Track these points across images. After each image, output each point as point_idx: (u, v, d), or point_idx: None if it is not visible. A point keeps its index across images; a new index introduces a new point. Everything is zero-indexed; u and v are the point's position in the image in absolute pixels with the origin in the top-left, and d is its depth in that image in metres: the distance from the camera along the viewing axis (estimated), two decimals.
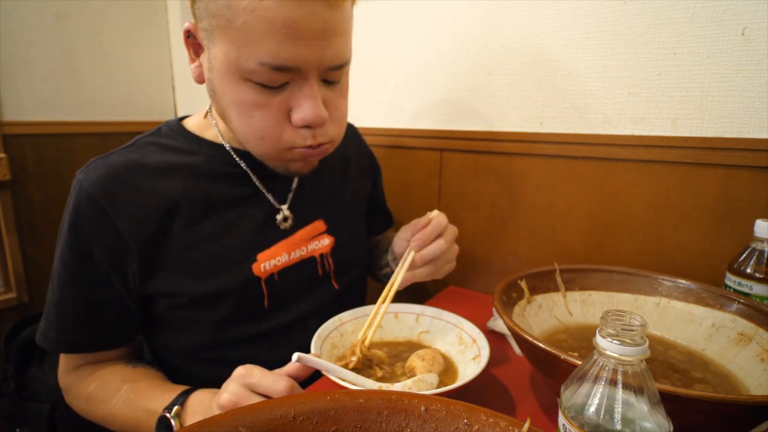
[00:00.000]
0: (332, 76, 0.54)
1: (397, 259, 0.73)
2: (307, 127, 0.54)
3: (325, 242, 0.70)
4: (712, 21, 0.63)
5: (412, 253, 0.62)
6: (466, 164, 0.91)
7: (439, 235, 0.63)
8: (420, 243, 0.61)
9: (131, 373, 0.61)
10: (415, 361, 0.55)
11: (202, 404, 0.53)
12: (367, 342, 0.57)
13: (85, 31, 1.28)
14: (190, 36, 0.55)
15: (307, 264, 0.68)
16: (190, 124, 0.65)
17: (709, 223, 0.68)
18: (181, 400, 0.53)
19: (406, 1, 0.93)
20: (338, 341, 0.60)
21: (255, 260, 0.62)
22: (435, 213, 0.64)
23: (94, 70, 1.32)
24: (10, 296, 1.21)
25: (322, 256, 0.69)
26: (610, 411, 0.29)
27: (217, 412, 0.46)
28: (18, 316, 1.21)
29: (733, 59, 0.63)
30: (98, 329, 0.59)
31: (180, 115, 1.52)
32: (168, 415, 0.52)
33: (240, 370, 0.47)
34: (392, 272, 0.74)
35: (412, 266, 0.62)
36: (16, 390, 0.95)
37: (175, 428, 0.51)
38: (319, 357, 0.51)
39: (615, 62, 0.71)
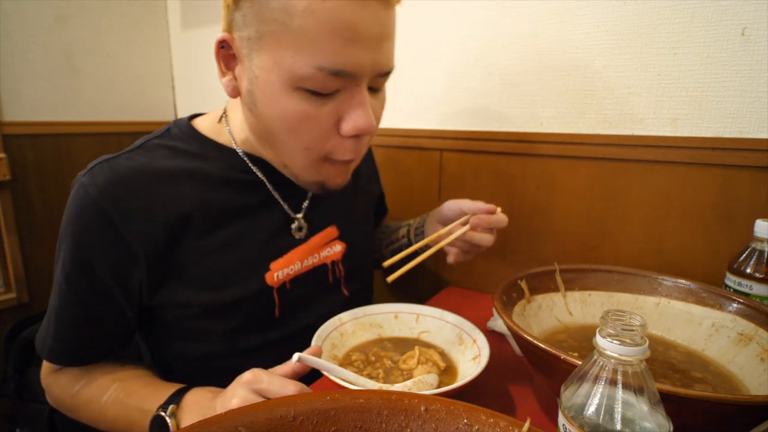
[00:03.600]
0: (378, 83, 0.53)
1: (423, 232, 0.77)
2: (355, 136, 0.52)
3: (337, 249, 0.69)
4: (712, 21, 0.63)
5: (466, 228, 0.65)
6: (466, 164, 0.91)
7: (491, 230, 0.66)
8: (480, 226, 0.65)
9: (120, 372, 0.59)
10: (413, 363, 0.55)
11: (199, 403, 0.52)
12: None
13: (85, 31, 1.28)
14: (224, 47, 0.51)
15: (318, 271, 0.67)
16: (201, 127, 0.62)
17: (709, 223, 0.68)
18: (177, 399, 0.52)
19: (406, 2, 0.93)
20: (338, 341, 0.60)
21: (268, 269, 0.61)
22: (499, 209, 0.68)
23: (94, 70, 1.32)
24: (10, 296, 1.21)
25: (333, 262, 0.69)
26: (610, 411, 0.29)
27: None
28: (18, 316, 1.21)
29: (733, 59, 0.63)
30: (94, 345, 0.58)
31: (180, 115, 1.52)
32: (164, 414, 0.51)
33: (248, 376, 0.46)
34: (404, 245, 0.79)
35: (462, 238, 0.65)
36: (16, 390, 0.95)
37: (171, 428, 0.50)
38: (319, 353, 0.51)
39: (615, 62, 0.71)
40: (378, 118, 0.55)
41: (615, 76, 0.72)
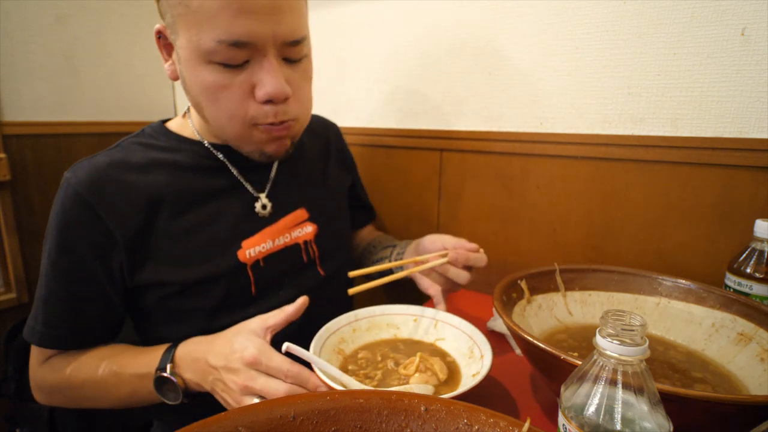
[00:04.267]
0: (291, 53, 0.56)
1: (402, 257, 0.78)
2: (270, 102, 0.56)
3: (308, 230, 0.72)
4: (712, 21, 0.63)
5: (444, 261, 0.65)
6: (466, 164, 0.91)
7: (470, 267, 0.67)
8: (458, 261, 0.65)
9: (106, 350, 0.62)
10: (413, 369, 0.55)
11: (193, 356, 0.55)
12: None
13: (85, 31, 1.28)
14: (161, 37, 0.58)
15: (291, 250, 0.69)
16: (171, 125, 0.68)
17: (709, 223, 0.68)
18: (170, 356, 0.56)
19: (406, 2, 0.93)
20: (348, 336, 0.60)
21: (240, 247, 0.64)
22: (482, 250, 0.68)
23: (94, 70, 1.32)
24: (10, 296, 1.21)
25: (306, 242, 0.71)
26: (610, 411, 0.29)
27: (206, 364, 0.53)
28: (18, 316, 1.21)
29: (733, 59, 0.63)
30: (81, 326, 0.61)
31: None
32: (165, 374, 0.54)
33: (249, 357, 0.50)
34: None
35: (437, 269, 0.66)
36: (16, 390, 0.95)
37: (178, 383, 0.54)
38: (305, 305, 0.56)
39: (615, 62, 0.71)
40: (299, 88, 0.59)
41: (615, 76, 0.72)
